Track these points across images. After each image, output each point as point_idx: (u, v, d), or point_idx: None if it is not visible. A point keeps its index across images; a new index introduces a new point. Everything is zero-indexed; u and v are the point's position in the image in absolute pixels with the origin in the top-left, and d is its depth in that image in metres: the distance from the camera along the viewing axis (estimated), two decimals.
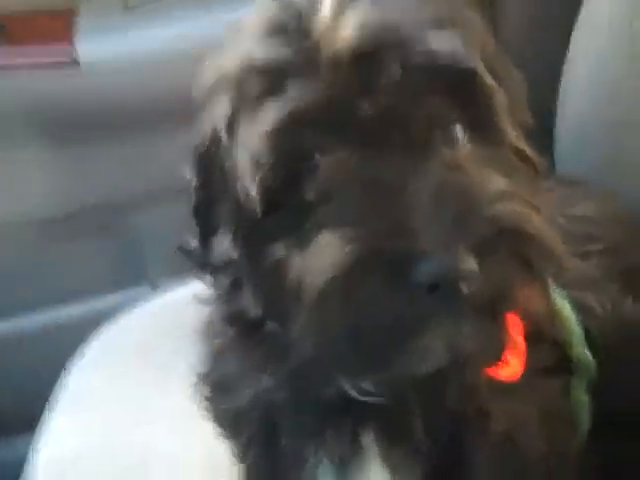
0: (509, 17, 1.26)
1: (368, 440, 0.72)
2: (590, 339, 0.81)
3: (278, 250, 0.61)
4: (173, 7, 1.24)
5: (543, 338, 0.76)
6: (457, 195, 0.56)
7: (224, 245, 0.66)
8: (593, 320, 0.82)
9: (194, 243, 0.71)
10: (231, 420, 0.80)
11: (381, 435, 0.71)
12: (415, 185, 0.56)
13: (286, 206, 0.60)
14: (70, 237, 1.47)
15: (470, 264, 0.53)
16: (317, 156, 0.59)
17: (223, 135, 0.63)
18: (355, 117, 0.58)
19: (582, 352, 0.80)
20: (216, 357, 0.79)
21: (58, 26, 1.29)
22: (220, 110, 0.63)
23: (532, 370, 0.74)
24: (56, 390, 1.08)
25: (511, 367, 0.71)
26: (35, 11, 1.30)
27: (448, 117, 0.60)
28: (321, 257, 0.56)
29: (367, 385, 0.67)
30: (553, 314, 0.78)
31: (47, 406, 1.05)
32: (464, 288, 0.54)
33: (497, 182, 0.59)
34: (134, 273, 1.51)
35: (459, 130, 0.61)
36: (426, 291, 0.54)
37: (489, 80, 0.61)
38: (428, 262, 0.53)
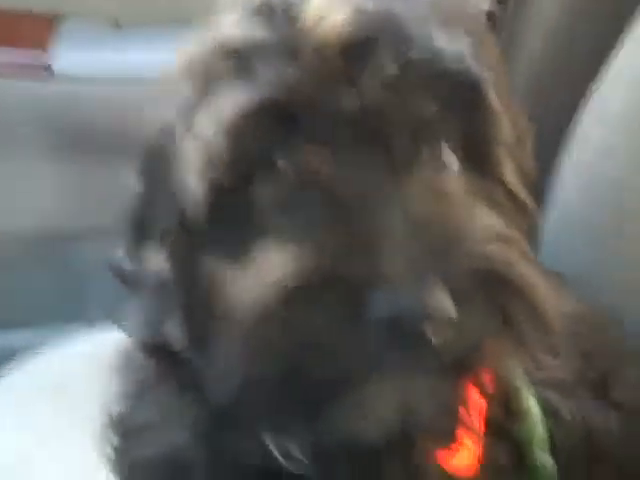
0: None
1: None
2: (553, 445, 0.73)
3: (214, 264, 0.51)
4: (164, 31, 1.19)
5: (503, 430, 0.68)
6: (437, 224, 0.47)
7: (156, 259, 0.56)
8: (559, 425, 0.74)
9: (127, 260, 0.61)
10: (136, 476, 0.68)
11: None
12: (389, 204, 0.47)
13: (231, 212, 0.51)
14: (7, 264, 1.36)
15: (444, 304, 0.44)
16: (280, 155, 0.50)
17: (177, 125, 0.54)
18: (332, 115, 0.49)
19: (543, 457, 0.71)
20: (132, 398, 0.68)
21: (40, 31, 1.24)
22: (179, 96, 0.54)
23: (487, 469, 0.65)
24: None
25: (464, 457, 0.61)
26: (18, 13, 1.25)
27: (441, 131, 0.53)
28: (260, 275, 0.47)
29: (294, 449, 0.56)
30: (518, 407, 0.70)
31: None
32: (431, 334, 0.44)
33: (487, 218, 0.51)
34: (72, 309, 1.40)
35: (449, 154, 0.53)
36: (383, 330, 0.44)
37: (495, 101, 0.54)
38: (392, 293, 0.44)
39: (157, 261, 0.56)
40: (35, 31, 1.26)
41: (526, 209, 0.60)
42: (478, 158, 0.55)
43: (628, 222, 0.94)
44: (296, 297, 0.46)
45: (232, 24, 0.53)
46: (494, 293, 0.48)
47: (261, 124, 0.49)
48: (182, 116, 0.53)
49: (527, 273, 0.50)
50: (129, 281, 0.61)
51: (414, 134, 0.51)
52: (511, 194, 0.58)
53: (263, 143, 0.50)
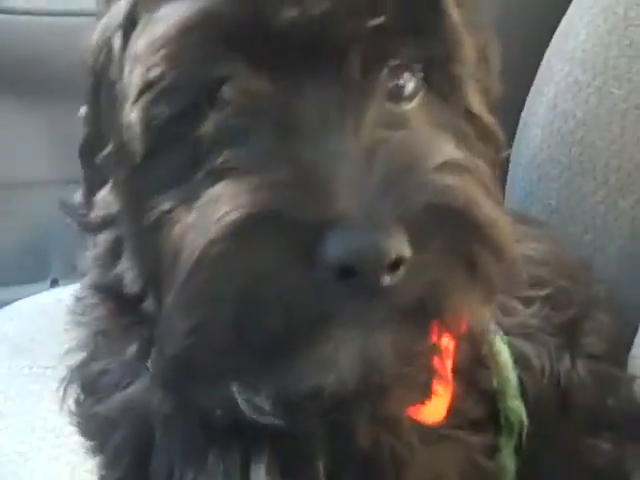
0: None
1: (258, 473, 0.58)
2: (523, 391, 0.72)
3: (162, 203, 0.48)
4: None
5: (473, 379, 0.67)
6: (393, 155, 0.44)
7: (107, 197, 0.53)
8: (529, 373, 0.74)
9: (78, 196, 0.57)
10: (98, 429, 0.66)
11: (275, 469, 0.58)
12: (342, 132, 0.44)
13: (175, 146, 0.47)
14: None
15: (399, 244, 0.41)
16: (224, 81, 0.46)
17: (115, 42, 0.50)
18: (277, 33, 0.45)
19: (515, 404, 0.71)
20: (89, 348, 0.65)
21: None
22: (117, 11, 0.50)
23: (457, 420, 0.64)
24: None
25: (435, 407, 0.60)
26: None
27: (396, 49, 0.48)
28: (208, 212, 0.44)
29: (262, 401, 0.54)
30: (489, 354, 0.69)
31: None
32: (387, 278, 0.41)
33: (448, 149, 0.47)
34: (36, 268, 1.35)
35: (408, 77, 0.50)
36: (336, 277, 0.41)
37: (456, 17, 0.49)
38: (343, 233, 0.40)
39: (107, 200, 0.53)
40: None
41: (492, 135, 0.57)
42: (439, 79, 0.51)
43: (592, 159, 0.93)
44: (243, 234, 0.42)
45: None
46: (452, 228, 0.45)
47: (200, 42, 0.45)
48: (120, 30, 0.49)
49: (486, 206, 0.46)
50: (84, 224, 0.57)
51: (367, 52, 0.46)
52: (476, 120, 0.54)
53: (203, 66, 0.46)
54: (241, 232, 0.42)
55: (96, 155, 0.53)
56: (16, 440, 0.86)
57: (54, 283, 1.36)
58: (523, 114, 1.05)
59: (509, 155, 1.06)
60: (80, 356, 0.65)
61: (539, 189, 0.97)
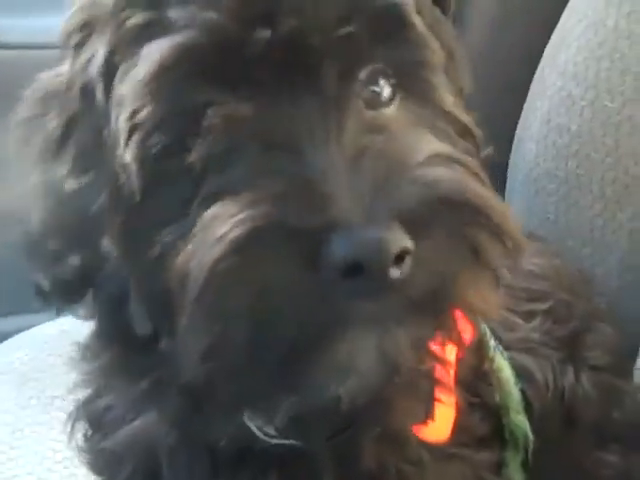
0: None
1: None
2: (527, 406, 0.72)
3: (163, 237, 0.48)
4: None
5: (476, 395, 0.67)
6: (380, 157, 0.45)
7: (106, 246, 0.52)
8: (532, 387, 0.74)
9: (61, 267, 0.55)
10: (105, 464, 0.66)
11: None
12: (327, 143, 0.45)
13: (171, 179, 0.48)
14: None
15: (400, 237, 0.41)
16: (207, 110, 0.47)
17: (97, 89, 0.50)
18: (253, 56, 0.46)
19: (518, 419, 0.71)
20: (96, 384, 0.65)
21: None
22: (93, 56, 0.50)
23: (463, 438, 0.64)
24: None
25: (440, 425, 0.61)
26: None
27: (369, 57, 0.50)
28: (209, 234, 0.44)
29: (273, 427, 0.55)
30: (491, 370, 0.69)
31: None
32: (394, 272, 0.42)
33: (434, 144, 0.48)
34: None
35: (383, 83, 0.51)
36: (342, 276, 0.41)
37: (420, 25, 0.51)
38: (345, 234, 0.41)
39: (104, 247, 0.52)
40: None
41: (469, 132, 0.57)
42: (413, 85, 0.53)
43: (588, 172, 0.93)
44: (247, 249, 0.43)
45: None
46: (450, 216, 0.45)
47: (180, 77, 0.46)
48: (101, 77, 0.50)
49: (481, 192, 0.47)
50: (72, 289, 0.56)
51: (340, 62, 0.48)
52: (453, 119, 0.55)
53: (185, 98, 0.47)
54: (245, 247, 0.43)
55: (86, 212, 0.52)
56: (25, 471, 0.86)
57: (59, 311, 1.36)
58: (518, 129, 1.05)
59: (507, 163, 1.07)
60: (86, 392, 0.66)
61: (537, 203, 0.98)
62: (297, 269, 0.42)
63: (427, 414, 0.60)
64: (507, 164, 1.08)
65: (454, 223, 0.45)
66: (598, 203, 0.92)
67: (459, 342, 0.60)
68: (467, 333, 0.63)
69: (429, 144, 0.48)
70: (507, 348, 0.72)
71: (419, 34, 0.51)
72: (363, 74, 0.50)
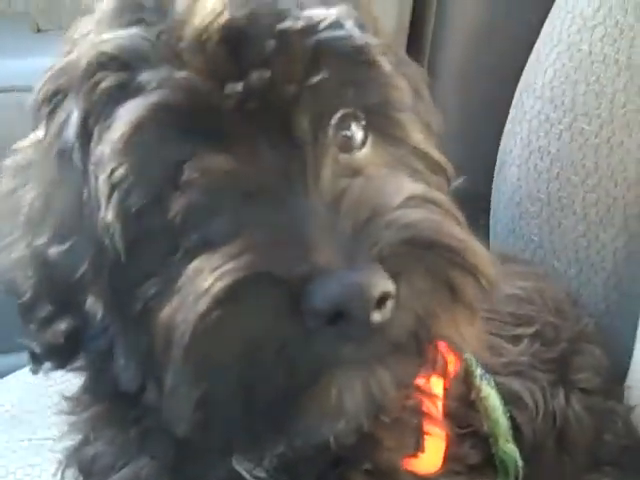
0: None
1: None
2: (517, 432, 0.72)
3: (146, 291, 0.49)
4: None
5: (466, 424, 0.66)
6: (357, 201, 0.46)
7: (92, 308, 0.52)
8: (522, 412, 0.73)
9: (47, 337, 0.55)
10: None
11: None
12: (305, 190, 0.45)
13: (152, 234, 0.49)
14: None
15: (382, 280, 0.42)
16: (184, 165, 0.47)
17: (74, 152, 0.51)
18: (226, 109, 0.47)
19: (507, 447, 0.70)
20: (85, 432, 0.64)
21: None
22: (67, 121, 0.51)
23: (455, 467, 0.64)
24: None
25: (431, 456, 0.60)
26: None
27: (339, 103, 0.50)
28: (192, 288, 0.45)
29: (261, 470, 0.55)
30: (478, 398, 0.69)
31: None
32: (376, 316, 0.42)
33: (408, 185, 0.49)
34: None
35: (354, 127, 0.51)
36: (326, 323, 0.42)
37: (386, 65, 0.52)
38: (326, 281, 0.42)
39: (89, 308, 0.52)
40: None
41: (441, 167, 0.58)
42: (383, 125, 0.53)
43: (570, 194, 0.94)
44: (230, 302, 0.43)
45: (103, 26, 0.50)
46: (429, 259, 0.46)
47: (155, 134, 0.47)
48: (78, 141, 0.50)
49: (456, 232, 0.48)
50: (64, 349, 0.56)
51: (312, 110, 0.48)
52: (424, 156, 0.56)
53: (162, 154, 0.48)
54: (229, 300, 0.43)
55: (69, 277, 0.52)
56: None
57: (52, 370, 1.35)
58: (499, 153, 1.06)
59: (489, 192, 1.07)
60: (76, 438, 0.66)
61: (521, 226, 0.98)
62: (281, 318, 0.43)
63: (417, 447, 0.60)
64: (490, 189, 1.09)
65: (431, 264, 0.46)
66: (581, 225, 0.92)
67: (445, 373, 0.61)
68: (452, 364, 0.63)
69: (404, 185, 0.49)
70: (495, 373, 0.72)
71: (386, 75, 0.52)
72: (335, 119, 0.50)
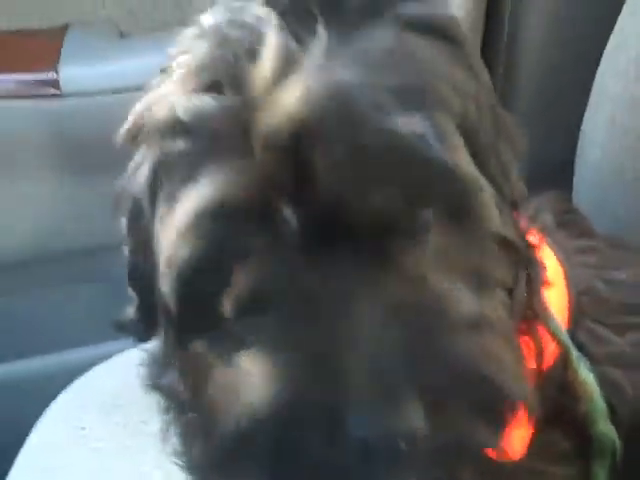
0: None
1: None
2: (615, 419, 0.71)
3: (198, 346, 0.52)
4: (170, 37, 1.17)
5: (561, 408, 0.67)
6: (412, 323, 0.46)
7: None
8: (621, 400, 0.72)
9: (130, 312, 0.61)
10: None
11: None
12: (359, 308, 0.46)
13: (202, 305, 0.51)
14: (52, 282, 1.35)
15: (416, 421, 0.44)
16: (237, 264, 0.48)
17: (145, 203, 0.53)
18: (290, 211, 0.46)
19: (605, 427, 0.70)
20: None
21: (43, 49, 1.22)
22: (141, 166, 0.53)
23: (543, 454, 0.65)
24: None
25: (516, 442, 0.61)
26: (20, 32, 1.23)
27: (410, 217, 0.48)
28: (245, 384, 0.48)
29: None
30: (576, 381, 0.69)
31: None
32: (402, 445, 0.44)
33: (465, 302, 0.49)
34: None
35: (424, 223, 0.49)
36: (360, 448, 0.45)
37: (470, 172, 0.49)
38: (359, 417, 0.44)
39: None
40: (41, 48, 1.24)
41: (517, 250, 0.56)
42: (460, 219, 0.51)
43: None
44: (282, 417, 0.46)
45: (179, 87, 0.50)
46: (472, 394, 0.48)
47: (216, 227, 0.47)
48: (148, 194, 0.53)
49: (506, 367, 0.49)
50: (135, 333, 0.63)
51: (380, 222, 0.47)
52: (500, 240, 0.54)
53: (221, 246, 0.48)
54: (279, 415, 0.46)
55: (142, 281, 0.57)
56: None
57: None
58: (580, 137, 1.05)
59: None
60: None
61: (605, 207, 0.97)
62: (318, 442, 0.46)
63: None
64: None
65: (472, 397, 0.48)
66: None
67: (541, 359, 0.62)
68: (548, 348, 0.64)
69: (465, 301, 0.49)
70: (596, 362, 0.71)
71: (471, 184, 0.50)
72: (403, 224, 0.49)
